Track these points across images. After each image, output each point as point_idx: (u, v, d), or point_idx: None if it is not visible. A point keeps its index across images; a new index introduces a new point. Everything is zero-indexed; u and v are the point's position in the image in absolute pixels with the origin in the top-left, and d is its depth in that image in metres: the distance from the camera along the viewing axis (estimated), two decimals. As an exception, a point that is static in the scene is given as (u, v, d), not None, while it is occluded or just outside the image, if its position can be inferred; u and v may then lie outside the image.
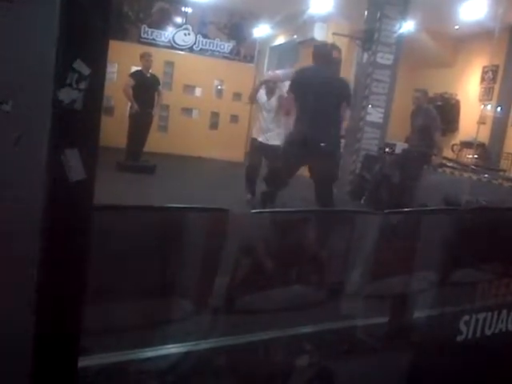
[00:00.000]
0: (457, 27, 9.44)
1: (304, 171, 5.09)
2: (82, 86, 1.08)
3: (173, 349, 1.78)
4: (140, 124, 7.79)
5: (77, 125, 1.09)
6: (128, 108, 8.03)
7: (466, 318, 2.49)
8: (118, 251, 1.51)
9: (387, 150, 7.73)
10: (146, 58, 7.94)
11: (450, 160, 8.65)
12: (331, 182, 4.94)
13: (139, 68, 8.07)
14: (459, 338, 2.46)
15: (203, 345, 1.86)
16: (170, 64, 10.62)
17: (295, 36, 10.70)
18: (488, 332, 2.59)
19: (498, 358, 2.45)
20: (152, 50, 9.27)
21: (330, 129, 4.70)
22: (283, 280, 2.07)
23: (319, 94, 4.63)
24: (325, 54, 5.04)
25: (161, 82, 8.40)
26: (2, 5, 1.02)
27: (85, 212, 1.13)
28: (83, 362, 1.27)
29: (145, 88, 7.79)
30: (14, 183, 1.06)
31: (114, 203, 1.54)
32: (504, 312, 2.65)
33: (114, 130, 7.41)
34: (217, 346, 1.90)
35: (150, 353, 1.74)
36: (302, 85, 4.81)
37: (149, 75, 7.96)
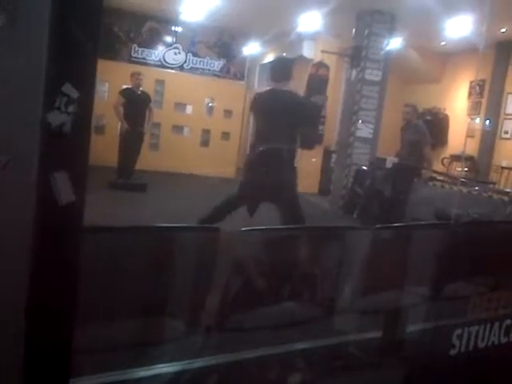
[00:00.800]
0: (443, 43, 9.57)
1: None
2: (71, 109, 1.09)
3: (165, 368, 1.77)
4: (131, 142, 7.78)
5: (65, 148, 1.10)
6: (119, 126, 8.03)
7: (459, 331, 2.50)
8: (109, 271, 1.50)
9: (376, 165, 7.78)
10: (135, 77, 7.97)
11: (440, 173, 8.71)
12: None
13: (129, 86, 8.09)
14: (452, 352, 2.47)
15: (196, 363, 1.85)
16: (160, 82, 10.67)
17: (284, 54, 10.79)
18: (481, 345, 2.59)
19: (490, 370, 2.45)
20: (143, 68, 9.32)
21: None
22: (275, 297, 2.07)
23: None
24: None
25: (151, 99, 8.41)
26: (-9, 30, 1.03)
27: (74, 233, 1.14)
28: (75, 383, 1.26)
29: (135, 105, 7.79)
30: (2, 206, 1.06)
31: (105, 223, 1.54)
32: (496, 325, 2.66)
33: (105, 148, 7.41)
34: (209, 365, 1.89)
35: (141, 373, 1.72)
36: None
37: (139, 92, 7.97)
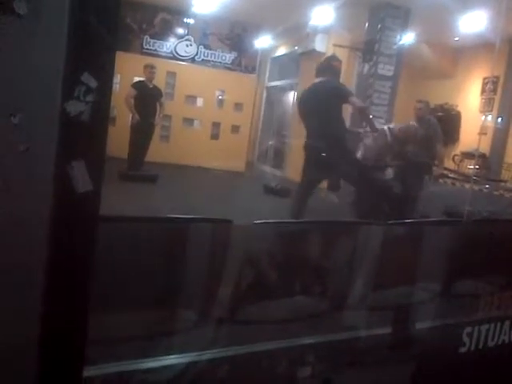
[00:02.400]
0: (457, 39, 9.49)
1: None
2: (90, 98, 1.09)
3: (176, 359, 1.78)
4: (141, 134, 7.82)
5: (83, 137, 1.10)
6: (130, 118, 8.06)
7: (469, 329, 2.49)
8: (123, 261, 1.51)
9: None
10: (149, 70, 7.99)
11: (451, 171, 8.65)
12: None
13: (142, 79, 8.12)
14: (462, 350, 2.46)
15: (205, 355, 1.86)
16: (172, 74, 10.68)
17: (296, 47, 10.75)
18: (491, 343, 2.58)
19: (500, 369, 2.45)
20: (154, 60, 9.33)
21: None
22: (286, 291, 2.08)
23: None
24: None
25: (163, 94, 8.43)
26: (11, 19, 1.04)
27: (91, 223, 1.14)
28: (88, 372, 1.27)
29: (147, 98, 7.83)
30: (21, 194, 1.07)
31: (118, 213, 1.55)
32: (507, 323, 2.65)
33: (117, 139, 7.43)
34: (219, 357, 1.90)
35: (153, 363, 1.74)
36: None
37: (151, 86, 7.99)
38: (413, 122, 6.33)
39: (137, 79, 8.37)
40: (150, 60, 9.07)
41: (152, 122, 7.97)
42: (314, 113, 5.11)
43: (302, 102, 5.54)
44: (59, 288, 1.14)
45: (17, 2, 1.03)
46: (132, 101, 7.77)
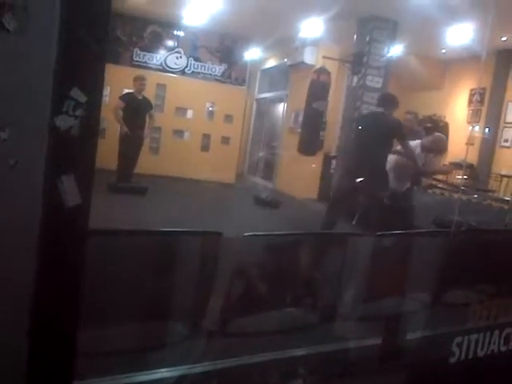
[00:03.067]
0: (444, 51, 9.61)
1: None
2: (79, 113, 1.10)
3: (167, 373, 1.77)
4: (130, 146, 7.78)
5: (73, 151, 1.11)
6: (118, 130, 8.02)
7: (459, 339, 2.50)
8: (112, 275, 1.51)
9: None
10: (139, 82, 7.95)
11: (439, 181, 8.72)
12: None
13: (131, 90, 8.09)
14: (452, 360, 2.47)
15: (197, 368, 1.85)
16: (162, 86, 10.69)
17: (286, 59, 10.83)
18: (480, 353, 2.59)
19: (490, 378, 2.46)
20: (144, 72, 9.34)
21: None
22: (276, 303, 2.07)
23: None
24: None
25: (153, 105, 8.39)
26: (1, 35, 1.04)
27: (80, 236, 1.14)
28: (77, 388, 1.26)
29: (135, 110, 7.78)
30: (10, 208, 1.07)
31: (107, 226, 1.54)
32: (496, 333, 2.66)
33: (106, 152, 7.41)
34: (210, 370, 1.89)
35: (143, 377, 1.72)
36: None
37: (140, 98, 7.96)
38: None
39: (126, 92, 8.35)
40: (139, 72, 9.06)
41: (141, 134, 7.93)
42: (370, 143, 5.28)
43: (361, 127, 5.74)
44: (48, 302, 1.13)
45: (6, 18, 1.04)
46: (120, 112, 7.73)
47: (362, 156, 5.32)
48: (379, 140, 5.29)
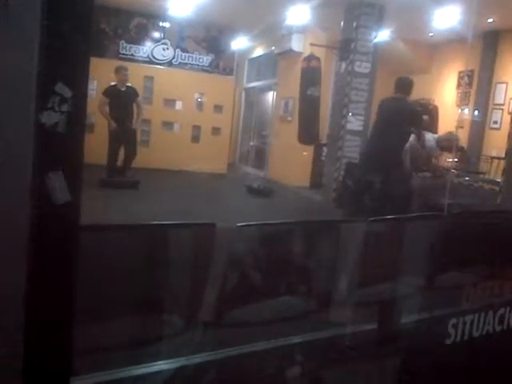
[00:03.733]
0: (431, 34, 9.60)
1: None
2: (65, 108, 1.09)
3: (164, 365, 1.77)
4: (121, 140, 7.71)
5: (60, 147, 1.09)
6: (107, 126, 7.93)
7: (454, 321, 2.52)
8: (106, 270, 1.50)
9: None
10: (121, 72, 7.82)
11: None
12: None
13: (113, 83, 7.95)
14: (448, 341, 2.49)
15: (194, 360, 1.86)
16: (149, 79, 10.62)
17: (273, 48, 10.79)
18: (476, 334, 2.62)
19: (486, 359, 2.48)
20: (131, 65, 9.26)
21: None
22: (271, 291, 2.08)
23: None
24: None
25: (139, 94, 8.22)
26: (-19, 30, 1.02)
27: (71, 233, 1.13)
28: (75, 382, 1.26)
29: (121, 103, 7.67)
30: (-2, 208, 1.06)
31: (100, 222, 1.54)
32: (490, 313, 2.69)
33: (96, 146, 7.37)
34: (208, 360, 1.90)
35: (141, 370, 1.73)
36: None
37: (124, 89, 7.83)
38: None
39: (109, 85, 8.26)
40: (121, 63, 8.93)
41: (130, 126, 7.82)
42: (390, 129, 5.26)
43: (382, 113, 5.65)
44: (42, 300, 1.13)
45: (-14, 13, 1.02)
46: (106, 108, 7.62)
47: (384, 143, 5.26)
48: (401, 127, 5.28)
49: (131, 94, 7.90)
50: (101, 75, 8.77)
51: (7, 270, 1.08)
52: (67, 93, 1.08)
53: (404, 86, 5.66)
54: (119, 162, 7.84)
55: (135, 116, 7.92)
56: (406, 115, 5.39)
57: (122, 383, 1.71)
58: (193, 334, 1.87)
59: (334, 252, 2.31)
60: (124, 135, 7.71)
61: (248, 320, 1.97)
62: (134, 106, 7.89)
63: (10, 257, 1.07)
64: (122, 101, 7.68)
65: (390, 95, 5.61)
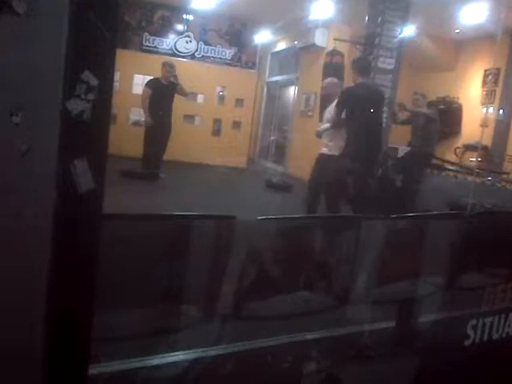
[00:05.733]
0: (457, 31, 9.44)
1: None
2: (91, 96, 1.09)
3: (181, 356, 1.78)
4: (158, 134, 7.66)
5: (85, 135, 1.10)
6: (144, 118, 7.85)
7: (473, 322, 2.49)
8: (127, 259, 1.51)
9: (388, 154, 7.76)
10: (166, 69, 7.70)
11: (453, 163, 8.63)
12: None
13: (157, 76, 7.87)
14: (466, 342, 2.46)
15: (211, 352, 1.86)
16: (172, 71, 10.65)
17: (296, 42, 10.72)
18: (495, 336, 2.58)
19: (504, 361, 2.45)
20: (154, 57, 9.29)
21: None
22: (289, 286, 2.07)
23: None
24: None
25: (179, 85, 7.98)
26: (11, 18, 1.03)
27: (94, 221, 1.14)
28: (93, 370, 1.27)
29: (162, 96, 7.59)
30: (23, 194, 1.07)
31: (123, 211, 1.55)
32: (511, 316, 2.65)
33: (117, 137, 7.41)
34: (224, 353, 1.90)
35: (158, 360, 1.74)
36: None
37: (166, 83, 7.70)
38: None
39: (136, 77, 8.27)
40: (168, 59, 8.86)
41: (168, 120, 7.78)
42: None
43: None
44: (64, 287, 1.14)
45: (16, 1, 1.02)
46: (147, 101, 7.53)
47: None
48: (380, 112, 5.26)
49: (173, 88, 7.83)
50: (124, 67, 8.83)
51: (31, 255, 1.09)
52: (93, 81, 1.09)
53: (366, 68, 5.57)
54: (152, 156, 7.80)
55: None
56: (382, 100, 5.34)
57: (139, 372, 1.72)
58: (210, 325, 1.88)
59: (351, 248, 2.29)
60: (161, 129, 7.67)
61: (266, 314, 1.97)
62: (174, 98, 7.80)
63: (34, 242, 1.08)
64: (163, 94, 7.62)
65: (357, 82, 5.41)
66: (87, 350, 1.21)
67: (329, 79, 6.56)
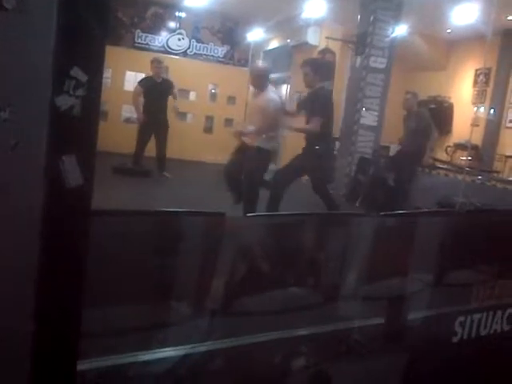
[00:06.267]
0: (449, 31, 9.49)
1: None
2: (80, 92, 1.09)
3: (171, 352, 1.79)
4: (151, 131, 7.62)
5: (74, 131, 1.10)
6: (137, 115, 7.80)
7: (461, 318, 2.51)
8: (115, 255, 1.51)
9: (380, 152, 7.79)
10: (155, 65, 7.66)
11: (444, 162, 8.68)
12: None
13: (149, 75, 7.84)
14: (454, 339, 2.48)
15: (200, 347, 1.87)
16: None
17: (289, 40, 10.73)
18: (483, 332, 2.60)
19: (492, 358, 2.47)
20: (146, 54, 9.26)
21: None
22: (280, 282, 2.08)
23: None
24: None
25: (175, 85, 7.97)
26: (-1, 13, 1.03)
27: (83, 217, 1.14)
28: (82, 366, 1.28)
29: (156, 94, 7.53)
30: (11, 189, 1.07)
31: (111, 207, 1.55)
32: (499, 313, 2.67)
33: (108, 134, 7.39)
34: (214, 349, 1.91)
35: (148, 356, 1.74)
36: None
37: (159, 81, 7.66)
38: None
39: (128, 73, 8.25)
40: (156, 55, 8.83)
41: (164, 117, 7.77)
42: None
43: None
44: (52, 283, 1.14)
45: (4, -3, 1.02)
46: (140, 99, 7.48)
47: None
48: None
49: (167, 86, 7.78)
50: (116, 64, 8.80)
51: (19, 251, 1.09)
52: (82, 77, 1.09)
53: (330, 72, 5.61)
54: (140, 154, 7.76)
55: (174, 106, 7.77)
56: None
57: (129, 368, 1.72)
58: (200, 322, 1.88)
59: (341, 245, 2.30)
60: (156, 127, 7.63)
61: (255, 310, 1.98)
62: (169, 98, 7.78)
63: (22, 238, 1.08)
64: (156, 92, 7.57)
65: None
66: (75, 345, 1.21)
67: None
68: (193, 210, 1.77)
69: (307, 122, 5.22)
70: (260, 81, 5.08)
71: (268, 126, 4.92)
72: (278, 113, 5.07)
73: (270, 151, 5.24)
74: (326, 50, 8.68)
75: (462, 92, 10.25)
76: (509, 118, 9.36)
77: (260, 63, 5.52)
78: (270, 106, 4.97)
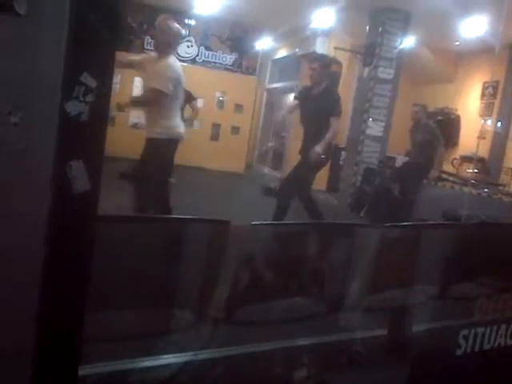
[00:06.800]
0: (457, 43, 9.50)
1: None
2: (89, 98, 1.10)
3: (172, 359, 1.78)
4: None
5: (83, 137, 1.11)
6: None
7: (465, 332, 2.49)
8: (120, 261, 1.52)
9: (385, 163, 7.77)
10: None
11: (450, 174, 8.66)
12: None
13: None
14: (458, 352, 2.46)
15: (202, 355, 1.86)
16: (172, 75, 10.66)
17: (297, 49, 10.76)
18: (487, 346, 2.58)
19: (496, 372, 2.45)
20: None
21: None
22: (283, 292, 2.08)
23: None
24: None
25: (194, 96, 7.96)
26: (11, 19, 1.04)
27: (89, 223, 1.15)
28: (83, 371, 1.28)
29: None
30: (19, 194, 1.07)
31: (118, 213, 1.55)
32: (503, 327, 2.65)
33: (116, 140, 7.39)
34: (215, 357, 1.91)
35: (149, 362, 1.74)
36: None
37: None
38: None
39: (137, 79, 8.24)
40: None
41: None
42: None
43: None
44: (56, 288, 1.14)
45: (16, 2, 1.03)
46: None
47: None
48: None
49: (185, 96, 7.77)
50: (125, 69, 8.82)
51: (25, 255, 1.09)
52: (92, 83, 1.10)
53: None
54: None
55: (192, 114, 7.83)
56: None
57: (130, 374, 1.72)
58: (203, 329, 1.88)
59: (345, 256, 2.30)
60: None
61: (258, 319, 1.98)
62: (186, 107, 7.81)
63: (29, 242, 1.08)
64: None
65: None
66: (78, 350, 1.21)
67: None
68: (198, 217, 1.78)
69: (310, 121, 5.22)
70: (167, 42, 4.11)
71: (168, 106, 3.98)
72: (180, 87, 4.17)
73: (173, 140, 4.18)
74: (332, 61, 8.70)
75: (470, 104, 10.24)
76: (516, 132, 9.34)
77: (170, 21, 4.41)
78: (172, 74, 4.07)
